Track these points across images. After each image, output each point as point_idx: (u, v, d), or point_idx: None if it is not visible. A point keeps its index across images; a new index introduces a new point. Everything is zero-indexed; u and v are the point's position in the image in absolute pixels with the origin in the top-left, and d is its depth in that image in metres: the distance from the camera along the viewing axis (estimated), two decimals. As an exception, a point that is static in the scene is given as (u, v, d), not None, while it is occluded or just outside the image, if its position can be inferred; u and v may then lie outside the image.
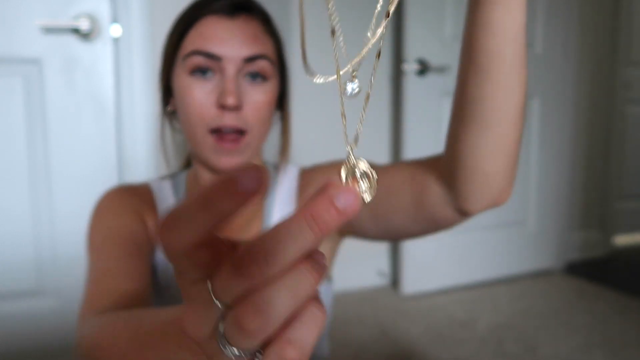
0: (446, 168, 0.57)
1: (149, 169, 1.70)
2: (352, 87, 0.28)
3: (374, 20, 0.27)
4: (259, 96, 0.69)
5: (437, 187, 0.59)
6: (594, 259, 2.71)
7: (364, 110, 0.28)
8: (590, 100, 2.63)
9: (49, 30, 1.55)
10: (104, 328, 0.48)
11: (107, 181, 1.62)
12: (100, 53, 1.61)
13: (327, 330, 0.84)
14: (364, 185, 0.26)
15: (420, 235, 0.66)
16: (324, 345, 0.83)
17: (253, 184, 0.22)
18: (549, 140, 2.40)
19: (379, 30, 0.26)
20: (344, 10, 2.06)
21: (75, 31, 1.57)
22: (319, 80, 0.28)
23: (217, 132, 0.68)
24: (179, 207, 0.23)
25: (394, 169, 0.66)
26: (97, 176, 1.63)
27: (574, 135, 2.54)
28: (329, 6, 0.27)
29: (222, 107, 0.67)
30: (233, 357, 0.25)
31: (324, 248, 0.79)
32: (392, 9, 0.27)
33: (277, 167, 0.81)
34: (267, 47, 0.70)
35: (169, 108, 0.76)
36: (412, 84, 2.04)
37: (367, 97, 0.28)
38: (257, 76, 0.69)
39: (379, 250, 2.30)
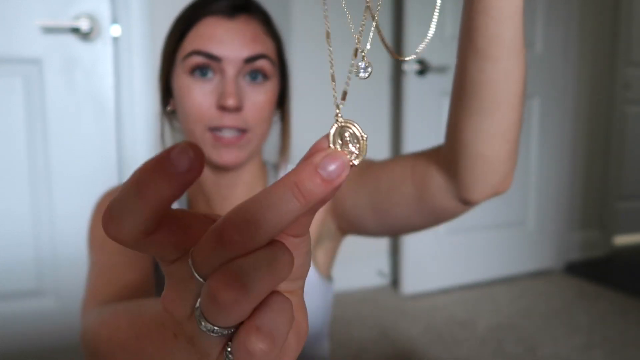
0: (447, 157, 0.57)
1: (149, 169, 1.70)
2: (363, 66, 0.26)
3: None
4: (259, 96, 0.69)
5: (438, 177, 0.59)
6: (594, 259, 2.71)
7: (351, 67, 0.26)
8: (590, 100, 2.63)
9: (49, 30, 1.55)
10: (104, 319, 0.49)
11: (107, 181, 1.62)
12: (100, 53, 1.61)
13: (327, 330, 0.84)
14: (353, 148, 0.24)
15: (422, 228, 0.66)
16: (324, 346, 0.83)
17: (186, 163, 0.20)
18: (549, 140, 2.40)
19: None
20: None
21: (75, 31, 1.57)
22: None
23: (216, 130, 0.68)
24: (115, 199, 0.22)
25: (394, 162, 0.66)
26: (97, 176, 1.63)
27: (574, 135, 2.54)
28: None
29: (222, 108, 0.67)
30: (210, 335, 0.24)
31: (324, 247, 0.79)
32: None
33: (277, 167, 0.81)
34: (267, 47, 0.70)
35: (169, 108, 0.76)
36: (412, 84, 2.04)
37: (355, 52, 0.26)
38: (257, 76, 0.69)
39: (379, 250, 2.30)
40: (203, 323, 0.24)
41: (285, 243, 0.24)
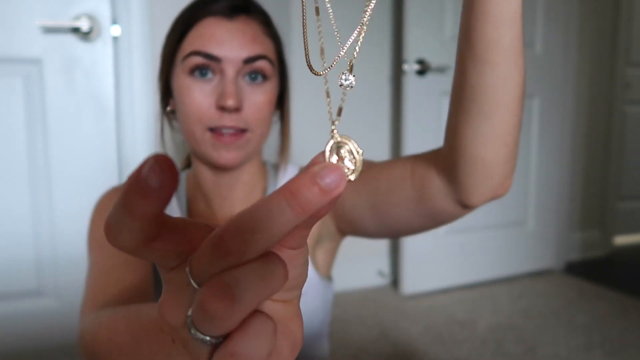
0: (446, 160, 0.57)
1: (149, 169, 1.70)
2: (345, 77, 0.26)
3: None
4: (258, 97, 0.69)
5: (437, 180, 0.59)
6: (594, 259, 2.71)
7: (343, 82, 0.26)
8: (590, 100, 2.63)
9: (49, 30, 1.55)
10: (102, 322, 0.49)
11: (107, 181, 1.62)
12: (100, 53, 1.61)
13: (327, 330, 0.84)
14: (349, 163, 0.24)
15: (421, 230, 0.66)
16: (324, 346, 0.83)
17: (156, 180, 0.20)
18: (549, 140, 2.41)
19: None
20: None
21: (75, 31, 1.57)
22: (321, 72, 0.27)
23: (216, 130, 0.68)
24: (111, 212, 0.22)
25: (393, 164, 0.66)
26: (97, 176, 1.63)
27: (574, 135, 2.54)
28: None
29: (222, 109, 0.67)
30: (200, 343, 0.24)
31: (324, 247, 0.79)
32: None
33: (277, 167, 0.81)
34: (266, 48, 0.70)
35: (169, 108, 0.76)
36: (412, 84, 2.04)
37: (351, 67, 0.26)
38: (257, 77, 0.69)
39: (379, 250, 2.30)
40: (193, 331, 0.24)
41: (281, 255, 0.25)
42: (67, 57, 1.58)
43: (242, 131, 0.69)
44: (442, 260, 2.21)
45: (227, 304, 0.21)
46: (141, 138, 1.69)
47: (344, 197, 0.70)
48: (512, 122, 0.52)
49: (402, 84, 2.07)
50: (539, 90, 2.35)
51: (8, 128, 1.55)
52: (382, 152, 2.25)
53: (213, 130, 0.68)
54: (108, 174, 1.65)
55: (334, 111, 0.26)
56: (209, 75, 0.68)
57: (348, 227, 0.74)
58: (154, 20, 1.65)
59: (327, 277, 0.81)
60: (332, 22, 0.27)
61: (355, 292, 2.18)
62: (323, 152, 0.24)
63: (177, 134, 0.79)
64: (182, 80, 0.69)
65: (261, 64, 0.69)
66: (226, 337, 0.24)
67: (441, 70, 2.07)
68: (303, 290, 0.31)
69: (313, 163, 0.24)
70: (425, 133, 2.09)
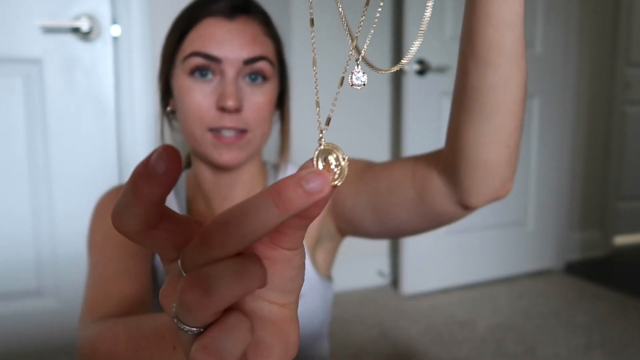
0: (448, 161, 0.57)
1: (149, 169, 1.70)
2: (356, 76, 0.27)
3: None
4: (258, 97, 0.69)
5: (438, 181, 0.59)
6: (594, 259, 2.71)
7: (337, 94, 0.28)
8: (590, 100, 2.63)
9: (49, 30, 1.55)
10: (102, 333, 0.49)
11: (107, 181, 1.62)
12: (100, 53, 1.61)
13: (327, 330, 0.84)
14: (335, 170, 0.26)
15: (422, 231, 0.66)
16: (324, 346, 0.83)
17: (162, 166, 0.22)
18: (549, 140, 2.41)
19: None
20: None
21: (75, 31, 1.57)
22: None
23: (216, 131, 0.68)
24: (119, 197, 0.24)
25: (394, 165, 0.66)
26: (97, 176, 1.63)
27: (574, 135, 2.54)
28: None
29: (222, 109, 0.67)
30: (185, 333, 0.25)
31: (324, 247, 0.79)
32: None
33: (277, 167, 0.81)
34: (266, 48, 0.70)
35: (169, 108, 0.76)
36: (412, 84, 2.04)
37: (341, 82, 0.27)
38: (257, 77, 0.69)
39: (379, 250, 2.30)
40: (175, 320, 0.25)
41: (277, 255, 0.26)
42: (67, 57, 1.58)
43: (242, 132, 0.69)
44: (442, 260, 2.22)
45: (200, 294, 0.23)
46: (141, 138, 1.69)
47: (344, 198, 0.70)
48: (514, 123, 0.52)
49: (402, 84, 2.07)
50: (539, 90, 2.35)
51: (8, 128, 1.55)
52: (382, 152, 2.25)
53: (213, 131, 0.68)
54: (108, 174, 1.65)
55: (323, 120, 0.27)
56: (209, 76, 0.68)
57: (348, 228, 0.74)
58: (154, 20, 1.65)
59: (327, 277, 0.81)
60: (343, 19, 0.27)
61: (355, 292, 2.18)
62: (312, 159, 0.26)
63: (177, 134, 0.79)
64: (182, 81, 0.69)
65: (261, 65, 0.69)
66: (206, 328, 0.25)
67: (441, 70, 2.07)
68: (303, 290, 0.31)
69: (303, 168, 0.25)
70: (425, 133, 2.09)
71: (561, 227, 2.50)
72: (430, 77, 2.06)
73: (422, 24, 0.26)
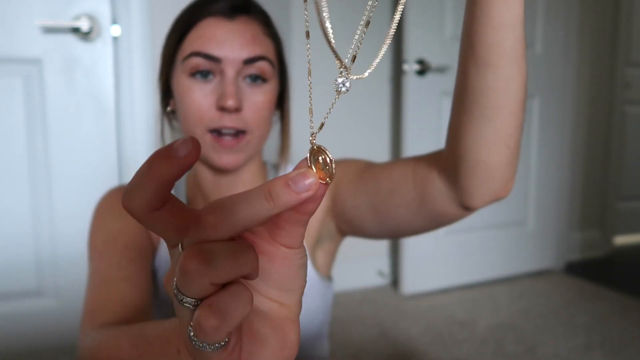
0: (448, 163, 0.57)
1: (149, 169, 1.70)
2: (341, 81, 0.29)
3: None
4: (258, 97, 0.69)
5: (439, 182, 0.59)
6: (594, 259, 2.71)
7: (333, 102, 0.30)
8: (590, 100, 2.63)
9: (49, 30, 1.55)
10: (105, 339, 0.49)
11: (107, 181, 1.62)
12: (100, 53, 1.61)
13: (327, 330, 0.84)
14: (324, 170, 0.28)
15: (422, 231, 0.66)
16: (324, 346, 0.83)
17: (184, 151, 0.25)
18: (549, 140, 2.41)
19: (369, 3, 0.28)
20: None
21: (75, 31, 1.57)
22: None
23: (216, 132, 0.68)
24: (133, 177, 0.26)
25: (394, 165, 0.66)
26: (97, 176, 1.63)
27: (574, 135, 2.54)
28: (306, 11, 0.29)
29: (222, 109, 0.67)
30: (181, 305, 0.27)
31: (324, 247, 0.79)
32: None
33: (277, 167, 0.81)
34: (266, 48, 0.70)
35: (169, 108, 0.76)
36: (412, 84, 2.04)
37: (353, 58, 0.29)
38: (257, 77, 0.69)
39: (379, 250, 2.30)
40: (176, 292, 0.27)
41: (277, 252, 0.28)
42: (67, 57, 1.58)
43: (241, 132, 0.69)
44: (442, 260, 2.22)
45: (199, 263, 0.25)
46: (141, 138, 1.69)
47: (344, 198, 0.70)
48: (514, 124, 0.52)
49: (402, 84, 2.07)
50: (539, 90, 2.35)
51: (8, 128, 1.55)
52: (382, 152, 2.25)
53: (213, 131, 0.68)
54: (108, 174, 1.65)
55: (316, 125, 0.29)
56: (210, 76, 0.68)
57: (348, 228, 0.74)
58: (154, 20, 1.65)
59: (327, 277, 0.81)
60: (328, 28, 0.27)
61: (355, 292, 2.18)
62: (306, 158, 0.28)
63: (177, 134, 0.79)
64: (183, 81, 0.69)
65: (261, 65, 0.69)
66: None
67: (441, 70, 2.07)
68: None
69: (297, 167, 0.27)
70: (425, 133, 2.09)
71: (561, 227, 2.50)
72: (430, 77, 2.06)
73: (392, 25, 0.27)
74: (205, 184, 0.75)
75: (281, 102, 0.77)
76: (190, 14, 0.70)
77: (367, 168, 0.69)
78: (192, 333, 0.27)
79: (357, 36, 0.29)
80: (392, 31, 0.30)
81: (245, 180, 0.76)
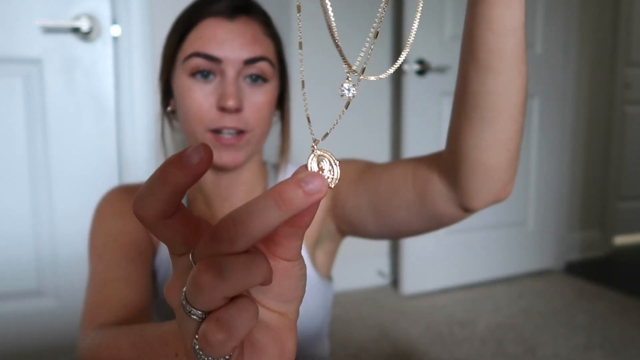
0: (448, 164, 0.57)
1: (149, 169, 1.70)
2: (347, 87, 0.29)
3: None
4: (259, 97, 0.69)
5: (439, 184, 0.59)
6: (594, 259, 2.71)
7: (341, 114, 0.30)
8: (590, 100, 2.63)
9: (49, 30, 1.55)
10: (104, 341, 0.49)
11: (107, 181, 1.62)
12: (100, 53, 1.61)
13: (327, 330, 0.84)
14: (329, 173, 0.28)
15: (422, 232, 0.66)
16: (324, 346, 0.83)
17: (197, 158, 0.25)
18: (549, 140, 2.41)
19: (379, 11, 0.27)
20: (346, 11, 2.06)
21: (75, 31, 1.57)
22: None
23: (217, 132, 0.68)
24: (146, 183, 0.26)
25: (394, 166, 0.66)
26: (97, 176, 1.63)
27: (574, 135, 2.54)
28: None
29: (222, 109, 0.67)
30: (189, 317, 0.27)
31: (324, 248, 0.79)
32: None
33: (277, 167, 0.81)
34: (267, 49, 0.70)
35: (169, 108, 0.76)
36: (412, 84, 2.04)
37: (363, 70, 0.29)
38: (257, 78, 0.69)
39: (379, 250, 2.30)
40: (184, 303, 0.26)
41: (277, 265, 0.28)
42: (67, 57, 1.58)
43: (242, 132, 0.69)
44: (442, 260, 2.22)
45: (213, 277, 0.24)
46: (141, 138, 1.69)
47: (344, 198, 0.70)
48: (515, 127, 0.52)
49: (402, 84, 2.07)
50: (539, 90, 2.35)
51: (8, 128, 1.55)
52: (382, 152, 2.25)
53: (213, 131, 0.68)
54: (108, 174, 1.65)
55: (316, 132, 0.30)
56: (210, 76, 0.68)
57: (348, 228, 0.74)
58: (154, 20, 1.65)
59: (327, 277, 0.81)
60: (335, 33, 0.27)
61: (355, 292, 2.18)
62: (305, 165, 0.28)
63: (178, 134, 0.79)
64: (183, 81, 0.69)
65: (261, 65, 0.69)
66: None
67: (441, 70, 2.07)
68: None
69: (297, 173, 0.27)
70: (425, 133, 2.09)
71: (561, 227, 2.50)
72: (430, 77, 2.06)
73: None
74: (205, 184, 0.75)
75: (281, 102, 0.77)
76: (191, 15, 0.70)
77: (367, 168, 0.69)
78: (197, 346, 0.26)
79: (366, 48, 0.29)
80: (411, 39, 0.30)
81: (246, 180, 0.76)
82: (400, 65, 2.08)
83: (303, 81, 0.30)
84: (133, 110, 1.67)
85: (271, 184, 0.79)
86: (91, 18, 1.58)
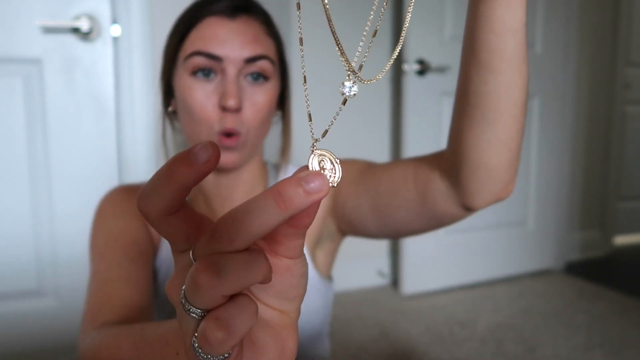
0: (449, 164, 0.57)
1: (149, 169, 1.70)
2: (348, 86, 0.29)
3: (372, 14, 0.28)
4: (259, 97, 0.69)
5: (440, 183, 0.59)
6: (594, 259, 2.71)
7: (338, 112, 0.30)
8: (590, 100, 2.63)
9: (49, 30, 1.55)
10: (104, 340, 0.49)
11: (107, 181, 1.62)
12: (100, 53, 1.61)
13: (327, 330, 0.84)
14: (329, 173, 0.28)
15: (423, 231, 0.66)
16: (325, 346, 0.83)
17: (205, 156, 0.25)
18: (548, 140, 2.41)
19: (374, 9, 0.27)
20: (345, 10, 2.06)
21: (75, 31, 1.57)
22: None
23: (217, 131, 0.68)
24: (151, 179, 0.26)
25: (395, 166, 0.66)
26: (97, 176, 1.63)
27: (574, 135, 2.54)
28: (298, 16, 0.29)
29: (223, 108, 0.67)
30: (188, 315, 0.26)
31: (324, 247, 0.79)
32: None
33: (278, 167, 0.81)
34: (267, 48, 0.70)
35: (170, 108, 0.76)
36: (412, 84, 2.04)
37: (360, 67, 0.29)
38: (258, 77, 0.69)
39: (379, 251, 2.30)
40: (183, 301, 0.26)
41: (279, 263, 0.28)
42: (67, 57, 1.58)
43: (242, 133, 0.69)
44: (442, 260, 2.22)
45: (211, 275, 0.24)
46: (141, 138, 1.69)
47: (345, 198, 0.70)
48: (516, 127, 0.52)
49: (402, 84, 2.07)
50: (539, 90, 2.35)
51: (8, 128, 1.55)
52: (382, 152, 2.25)
53: (219, 132, 0.68)
54: (108, 174, 1.65)
55: (316, 130, 0.29)
56: (212, 75, 0.68)
57: (349, 228, 0.74)
58: (154, 20, 1.65)
59: (328, 277, 0.81)
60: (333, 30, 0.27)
61: (355, 292, 2.18)
62: (306, 166, 0.28)
63: (179, 134, 0.79)
64: (184, 80, 0.69)
65: (262, 64, 0.69)
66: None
67: (441, 70, 2.07)
68: None
69: (298, 172, 0.26)
70: (425, 133, 2.09)
71: (561, 227, 2.50)
72: (430, 77, 2.06)
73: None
74: (205, 184, 0.75)
75: (282, 102, 0.77)
76: (192, 14, 0.70)
77: (368, 168, 0.69)
78: (196, 344, 0.26)
79: (363, 44, 0.29)
80: (403, 34, 0.30)
81: (246, 180, 0.76)
82: (401, 65, 2.08)
83: (305, 76, 0.30)
84: (133, 110, 1.67)
85: (272, 184, 0.79)
86: (91, 18, 1.58)
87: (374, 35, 0.28)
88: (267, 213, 0.25)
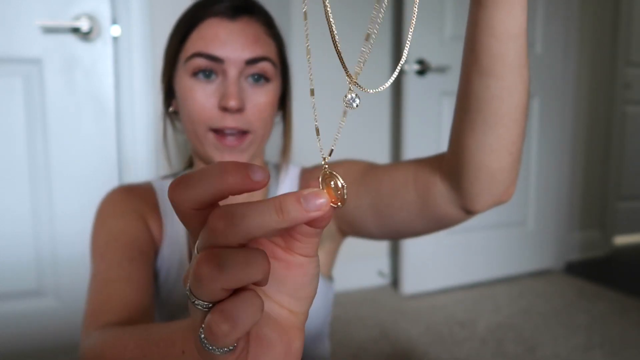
0: (450, 167, 0.57)
1: (149, 169, 1.70)
2: (351, 98, 0.30)
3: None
4: (260, 98, 0.69)
5: (441, 186, 0.59)
6: (594, 259, 2.71)
7: (341, 125, 0.31)
8: (590, 100, 2.63)
9: (49, 30, 1.55)
10: (108, 340, 0.49)
11: (107, 181, 1.62)
12: (100, 53, 1.61)
13: (327, 330, 0.84)
14: (335, 194, 0.29)
15: (423, 233, 0.66)
16: (325, 345, 0.83)
17: (260, 177, 0.26)
18: (548, 140, 2.41)
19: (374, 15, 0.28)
20: (345, 13, 2.06)
21: (75, 31, 1.57)
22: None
23: (219, 131, 0.68)
24: (198, 171, 0.27)
25: (396, 168, 0.66)
26: (97, 176, 1.63)
27: (574, 135, 2.54)
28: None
29: (224, 109, 0.67)
30: (195, 307, 0.27)
31: (325, 248, 0.79)
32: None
33: (279, 167, 0.81)
34: (268, 49, 0.70)
35: (171, 109, 0.76)
36: (412, 84, 2.04)
37: (344, 114, 0.30)
38: (259, 78, 0.69)
39: (379, 251, 2.30)
40: (188, 293, 0.27)
41: (293, 260, 0.29)
42: (67, 57, 1.58)
43: (244, 133, 0.69)
44: (442, 260, 2.22)
45: (212, 268, 0.25)
46: (141, 138, 1.69)
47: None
48: (517, 131, 0.52)
49: (402, 84, 2.07)
50: (539, 90, 2.35)
51: (8, 128, 1.55)
52: (382, 152, 2.25)
53: (216, 131, 0.68)
54: (108, 174, 1.65)
55: (323, 140, 0.30)
56: (212, 76, 0.68)
57: (349, 228, 0.74)
58: (154, 20, 1.65)
59: (328, 277, 0.81)
60: (337, 38, 0.27)
61: (355, 292, 2.18)
62: (317, 178, 0.29)
63: (179, 134, 0.79)
64: (185, 82, 0.69)
65: (263, 65, 0.69)
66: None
67: (441, 70, 2.07)
68: None
69: (307, 186, 0.27)
70: (425, 133, 2.09)
71: (561, 227, 2.50)
72: (430, 77, 2.06)
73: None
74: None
75: (283, 102, 0.77)
76: (193, 15, 0.70)
77: (369, 169, 0.69)
78: (202, 335, 0.27)
79: (363, 53, 0.29)
80: (408, 44, 0.30)
81: (247, 180, 0.76)
82: (401, 65, 2.08)
83: (312, 89, 0.31)
84: (133, 110, 1.67)
85: (272, 185, 0.79)
86: (91, 18, 1.58)
87: (366, 39, 0.28)
88: (266, 216, 0.26)
